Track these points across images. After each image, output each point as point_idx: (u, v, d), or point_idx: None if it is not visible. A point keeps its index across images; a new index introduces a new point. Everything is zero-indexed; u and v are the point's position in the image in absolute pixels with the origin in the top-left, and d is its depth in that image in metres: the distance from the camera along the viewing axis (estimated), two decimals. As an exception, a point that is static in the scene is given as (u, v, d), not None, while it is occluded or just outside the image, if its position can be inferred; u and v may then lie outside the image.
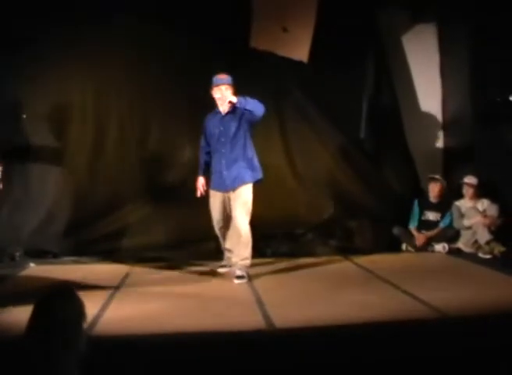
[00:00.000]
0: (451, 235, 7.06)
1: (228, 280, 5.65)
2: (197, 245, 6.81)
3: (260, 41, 6.92)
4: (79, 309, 2.23)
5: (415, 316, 4.20)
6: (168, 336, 3.81)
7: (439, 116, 8.13)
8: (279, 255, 6.75)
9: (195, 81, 6.66)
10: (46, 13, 6.96)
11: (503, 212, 6.79)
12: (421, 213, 7.26)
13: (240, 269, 5.59)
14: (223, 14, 7.09)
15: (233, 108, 5.65)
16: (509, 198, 6.84)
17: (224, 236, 5.92)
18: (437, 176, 7.40)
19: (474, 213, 6.88)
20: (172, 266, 6.36)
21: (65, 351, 2.15)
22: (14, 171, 6.83)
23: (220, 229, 5.87)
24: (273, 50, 7.01)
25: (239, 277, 5.54)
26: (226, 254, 6.00)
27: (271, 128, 7.43)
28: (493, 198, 6.93)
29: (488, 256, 6.51)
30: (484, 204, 6.97)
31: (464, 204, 7.06)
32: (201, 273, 6.00)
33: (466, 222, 6.90)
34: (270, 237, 6.99)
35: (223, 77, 5.69)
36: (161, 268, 6.30)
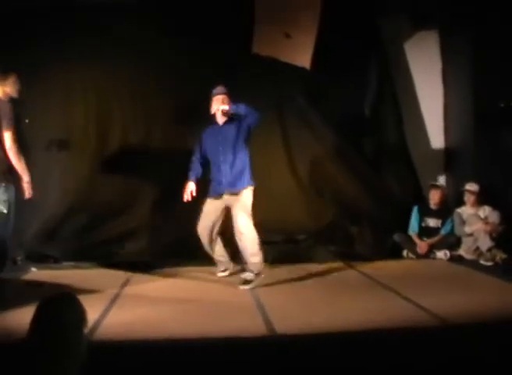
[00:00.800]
0: (452, 242, 7.06)
1: (228, 285, 5.65)
2: (198, 250, 6.81)
3: (262, 47, 6.93)
4: (80, 314, 2.23)
5: (416, 322, 4.19)
6: (169, 341, 3.80)
7: (441, 123, 8.13)
8: (280, 260, 6.73)
9: (197, 88, 6.69)
10: (48, 19, 7.02)
11: (504, 218, 6.78)
12: (422, 220, 7.26)
13: (250, 271, 5.60)
14: (226, 20, 7.12)
15: (230, 118, 5.71)
16: (511, 205, 6.84)
17: (210, 243, 5.96)
18: (438, 184, 7.41)
19: (475, 220, 6.88)
20: (173, 271, 6.37)
21: (66, 355, 2.15)
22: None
23: (208, 234, 5.89)
24: (276, 56, 7.03)
25: (245, 282, 5.54)
26: (219, 259, 6.05)
27: (273, 134, 7.45)
28: (495, 205, 6.93)
29: (489, 263, 6.51)
30: (485, 211, 6.97)
31: (466, 211, 7.06)
32: (202, 279, 6.00)
33: (467, 229, 6.90)
34: (271, 243, 6.99)
35: (220, 88, 5.80)
36: (161, 273, 6.30)
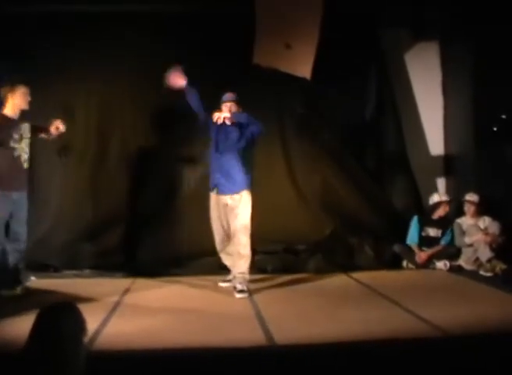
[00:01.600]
0: (452, 252, 7.05)
1: (228, 295, 5.64)
2: (199, 260, 6.81)
3: (263, 58, 6.94)
4: (80, 324, 2.23)
5: (416, 333, 4.18)
6: (169, 351, 3.79)
7: (441, 134, 8.14)
8: (279, 271, 6.74)
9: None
10: (48, 25, 7.06)
11: (504, 229, 6.78)
12: (422, 229, 7.24)
13: (240, 283, 5.61)
14: (226, 30, 7.15)
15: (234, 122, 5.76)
16: (511, 216, 6.84)
17: (223, 241, 5.97)
18: (448, 199, 7.30)
19: (475, 231, 6.88)
20: (173, 280, 6.36)
21: (65, 365, 2.15)
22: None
23: (217, 228, 5.91)
24: (276, 66, 7.04)
25: (240, 292, 5.56)
26: (226, 263, 6.05)
27: (273, 145, 7.46)
28: (495, 216, 6.93)
29: (489, 274, 6.50)
30: (485, 221, 6.96)
31: (466, 221, 7.06)
32: (202, 288, 5.98)
33: (467, 239, 6.90)
34: (271, 253, 6.99)
35: (229, 95, 5.90)
36: (161, 283, 6.29)
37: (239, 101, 5.90)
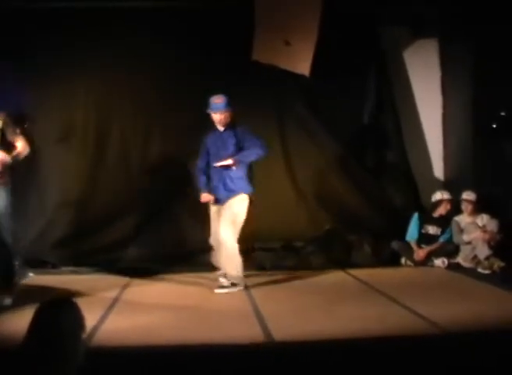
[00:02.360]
0: (450, 250, 7.06)
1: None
2: (196, 257, 6.82)
3: (262, 54, 6.95)
4: (78, 320, 2.23)
5: (414, 330, 4.19)
6: (166, 348, 3.80)
7: (440, 132, 8.14)
8: (278, 267, 6.75)
9: (197, 95, 6.69)
10: (48, 23, 7.05)
11: (502, 227, 6.78)
12: (421, 227, 7.25)
13: (228, 278, 5.61)
14: (225, 27, 7.15)
15: (232, 124, 5.73)
16: (509, 214, 6.84)
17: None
18: (450, 197, 7.28)
19: (473, 228, 6.88)
20: (171, 277, 6.37)
21: (63, 361, 2.15)
22: (14, 181, 6.84)
23: (216, 240, 5.85)
24: (275, 63, 7.04)
25: (220, 287, 5.57)
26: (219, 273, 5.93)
27: (272, 143, 7.41)
28: (493, 214, 6.93)
29: (487, 271, 6.50)
30: (483, 219, 6.97)
31: (464, 219, 7.06)
32: (200, 285, 5.98)
33: (465, 237, 6.90)
34: (269, 250, 7.00)
35: (218, 102, 5.71)
36: (159, 280, 6.30)
37: (231, 103, 5.73)
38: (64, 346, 2.16)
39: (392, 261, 7.13)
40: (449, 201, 7.24)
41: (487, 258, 6.64)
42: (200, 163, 5.98)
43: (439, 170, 8.10)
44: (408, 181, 7.80)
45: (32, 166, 6.91)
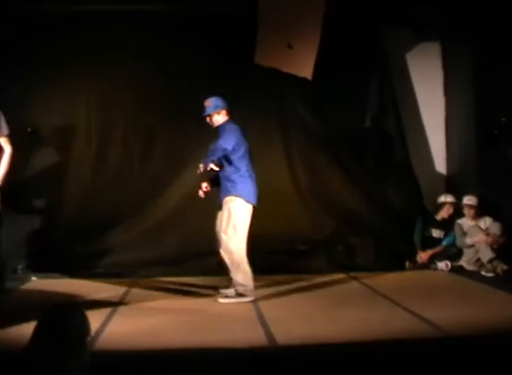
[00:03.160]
0: (454, 253, 7.05)
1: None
2: (199, 260, 6.81)
3: (264, 58, 6.94)
4: (83, 324, 2.23)
5: (417, 334, 4.19)
6: (170, 352, 3.80)
7: (443, 134, 8.13)
8: (281, 271, 6.73)
9: (199, 97, 6.68)
10: (50, 24, 7.08)
11: (505, 230, 6.77)
12: (425, 230, 7.24)
13: (234, 288, 5.45)
14: (228, 30, 7.16)
15: (222, 124, 5.58)
16: (512, 217, 6.84)
17: None
18: (455, 200, 7.28)
19: (476, 231, 6.87)
20: (174, 281, 6.36)
21: (68, 364, 2.15)
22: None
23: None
24: (277, 66, 7.03)
25: (225, 296, 5.44)
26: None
27: (275, 145, 7.47)
28: (496, 217, 6.92)
29: (490, 274, 6.50)
30: (486, 222, 6.96)
31: (466, 222, 7.05)
32: (203, 289, 5.98)
33: (468, 240, 6.89)
34: (272, 254, 6.98)
35: (206, 105, 5.62)
36: (163, 283, 6.30)
37: (218, 105, 5.59)
38: (69, 348, 2.16)
39: (396, 264, 7.12)
40: (452, 204, 7.24)
41: (490, 261, 6.64)
42: None
43: (441, 172, 8.09)
44: (411, 184, 7.79)
45: (33, 169, 6.95)
